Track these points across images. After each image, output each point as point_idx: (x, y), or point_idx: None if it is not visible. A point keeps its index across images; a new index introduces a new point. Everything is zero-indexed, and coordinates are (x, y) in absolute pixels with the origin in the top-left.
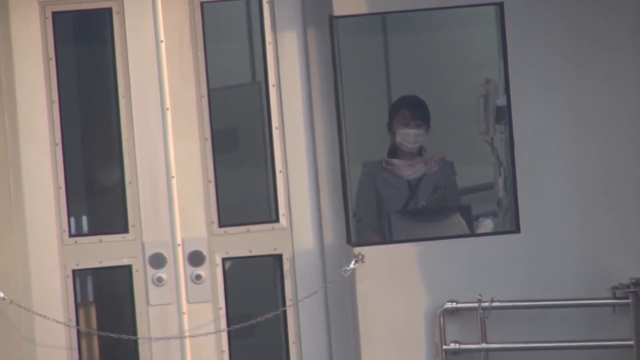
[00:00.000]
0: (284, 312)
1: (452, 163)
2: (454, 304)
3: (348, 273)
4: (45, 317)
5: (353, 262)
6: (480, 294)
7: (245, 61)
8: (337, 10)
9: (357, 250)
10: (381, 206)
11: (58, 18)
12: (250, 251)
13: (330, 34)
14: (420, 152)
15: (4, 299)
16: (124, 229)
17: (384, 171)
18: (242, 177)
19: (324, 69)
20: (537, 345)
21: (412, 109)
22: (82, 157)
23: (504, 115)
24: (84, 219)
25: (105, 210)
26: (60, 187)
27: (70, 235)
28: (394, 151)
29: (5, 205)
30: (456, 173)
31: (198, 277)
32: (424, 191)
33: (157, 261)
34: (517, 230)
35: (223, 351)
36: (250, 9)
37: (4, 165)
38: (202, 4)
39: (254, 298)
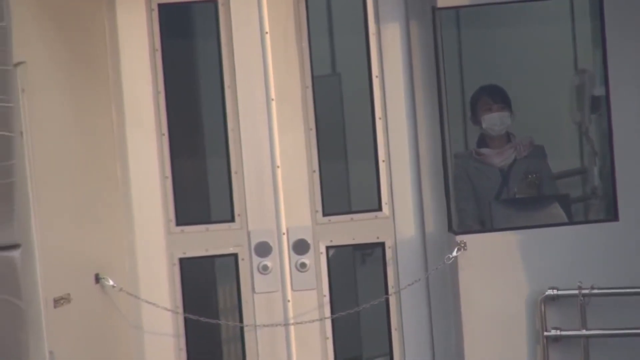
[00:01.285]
0: (387, 299)
1: (542, 146)
2: (555, 291)
3: (451, 261)
4: (153, 304)
5: (455, 250)
6: (580, 281)
7: (341, 53)
8: (440, 2)
9: (460, 238)
10: (477, 195)
11: (163, 10)
12: (354, 239)
13: (433, 25)
14: (508, 138)
15: (113, 286)
16: (230, 218)
17: (475, 162)
18: (346, 167)
19: (426, 60)
20: (637, 332)
21: (492, 94)
22: (188, 147)
23: (599, 104)
24: (190, 208)
25: (211, 200)
26: (167, 177)
27: (177, 224)
28: (483, 141)
29: (113, 195)
30: (547, 155)
31: (302, 265)
32: (515, 177)
33: (263, 249)
34: (615, 218)
35: (327, 338)
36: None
37: (112, 155)
38: None
39: (357, 285)
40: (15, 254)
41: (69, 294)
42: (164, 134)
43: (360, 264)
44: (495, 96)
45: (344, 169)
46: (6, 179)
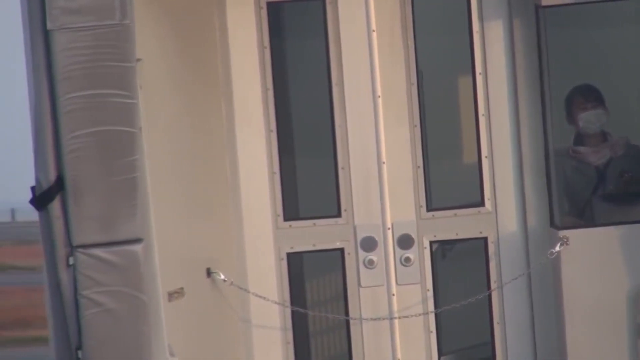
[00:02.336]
0: (489, 293)
1: (638, 146)
2: None
3: (554, 256)
4: (263, 298)
5: (558, 245)
6: None
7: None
8: (545, 0)
9: (562, 233)
10: (573, 192)
11: (272, 8)
12: (457, 234)
13: (536, 23)
14: (604, 137)
15: (224, 280)
16: (336, 213)
17: (571, 159)
18: (448, 163)
19: (529, 58)
20: None
21: (585, 93)
22: (296, 143)
23: None
24: (298, 203)
25: (318, 195)
26: (275, 173)
27: (285, 219)
28: (580, 140)
29: (222, 190)
30: None
31: (407, 259)
32: (612, 176)
33: (368, 244)
34: None
35: (431, 331)
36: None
37: (221, 151)
38: None
39: (460, 280)
40: (138, 248)
41: (182, 288)
42: (272, 131)
43: (463, 259)
44: (588, 95)
45: (447, 165)
46: (130, 174)
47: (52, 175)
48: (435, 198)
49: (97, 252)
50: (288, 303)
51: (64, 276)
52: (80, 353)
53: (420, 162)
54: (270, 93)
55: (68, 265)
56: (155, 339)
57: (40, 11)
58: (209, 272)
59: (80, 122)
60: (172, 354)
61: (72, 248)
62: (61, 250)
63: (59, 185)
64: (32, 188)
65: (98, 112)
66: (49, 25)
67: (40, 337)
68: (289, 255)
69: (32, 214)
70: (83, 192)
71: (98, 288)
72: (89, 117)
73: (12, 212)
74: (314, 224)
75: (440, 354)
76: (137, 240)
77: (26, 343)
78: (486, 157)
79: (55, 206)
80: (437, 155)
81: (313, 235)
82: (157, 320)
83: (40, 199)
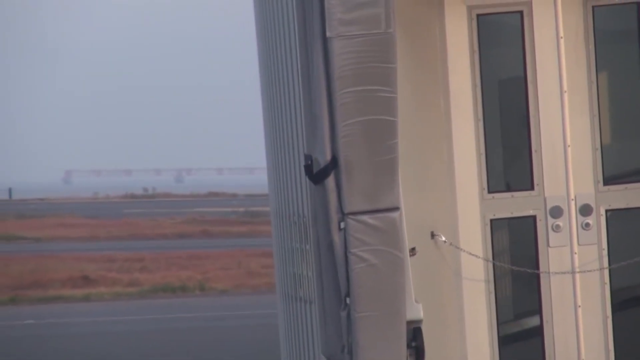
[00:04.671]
0: None
1: None
2: None
3: None
4: (475, 255)
5: None
6: None
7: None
8: None
9: None
10: None
11: (481, 19)
12: (627, 204)
13: None
14: None
15: (444, 241)
16: (530, 187)
17: None
18: (621, 145)
19: None
20: None
21: None
22: (499, 129)
23: None
24: (499, 178)
25: (516, 172)
26: (481, 154)
27: (489, 192)
28: None
29: (440, 168)
30: None
31: (587, 224)
32: None
33: (556, 212)
34: None
35: (605, 284)
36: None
37: (439, 136)
38: (593, 7)
39: (631, 243)
40: (396, 215)
41: (414, 248)
42: (480, 119)
43: (634, 225)
44: None
45: (620, 147)
46: (391, 154)
47: (328, 156)
48: (610, 174)
49: (364, 218)
50: (491, 260)
51: (337, 238)
52: (348, 300)
53: (598, 145)
54: (479, 89)
55: (340, 229)
56: (407, 289)
57: (319, 23)
58: (432, 235)
59: (351, 112)
60: (416, 301)
61: (343, 215)
62: (334, 217)
63: (333, 164)
64: (306, 167)
65: (366, 104)
66: (329, 34)
67: (57, 296)
68: (492, 221)
69: (27, 193)
70: (353, 169)
71: (364, 247)
72: (359, 108)
73: (10, 191)
74: (512, 196)
75: (613, 302)
76: (396, 209)
77: (44, 301)
78: None
79: (330, 181)
80: (612, 139)
81: (511, 204)
82: (407, 274)
83: (318, 175)
